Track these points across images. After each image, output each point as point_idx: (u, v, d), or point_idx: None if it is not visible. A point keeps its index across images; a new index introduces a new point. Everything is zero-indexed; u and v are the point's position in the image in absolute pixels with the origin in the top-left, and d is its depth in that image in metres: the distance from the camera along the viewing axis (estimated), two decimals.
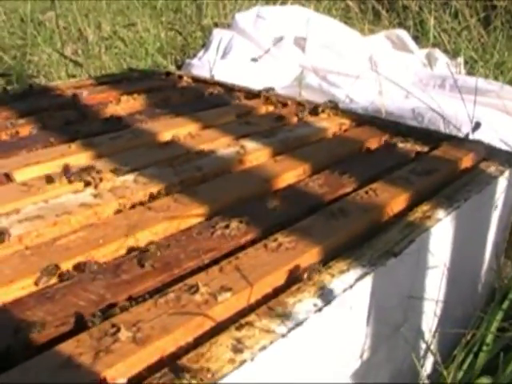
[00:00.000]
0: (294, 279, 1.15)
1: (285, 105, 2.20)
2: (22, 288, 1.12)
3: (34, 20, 4.76)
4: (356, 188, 1.57)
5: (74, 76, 3.98)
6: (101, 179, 1.51)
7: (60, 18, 4.73)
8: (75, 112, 2.06)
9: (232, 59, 3.51)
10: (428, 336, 1.52)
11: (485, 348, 1.51)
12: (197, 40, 4.60)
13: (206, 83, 2.48)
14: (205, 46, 3.90)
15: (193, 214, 1.38)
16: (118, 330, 0.96)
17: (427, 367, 1.60)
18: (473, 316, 1.55)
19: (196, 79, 2.55)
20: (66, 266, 1.18)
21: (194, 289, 1.06)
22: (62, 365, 0.89)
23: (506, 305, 1.54)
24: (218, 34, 3.75)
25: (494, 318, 1.52)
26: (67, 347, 0.94)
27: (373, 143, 1.89)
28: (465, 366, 1.52)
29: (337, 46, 3.54)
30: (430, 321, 1.51)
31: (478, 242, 1.75)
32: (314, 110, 2.11)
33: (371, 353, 1.27)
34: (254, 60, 3.48)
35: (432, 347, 1.53)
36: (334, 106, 2.14)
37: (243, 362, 0.92)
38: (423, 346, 1.52)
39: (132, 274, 1.15)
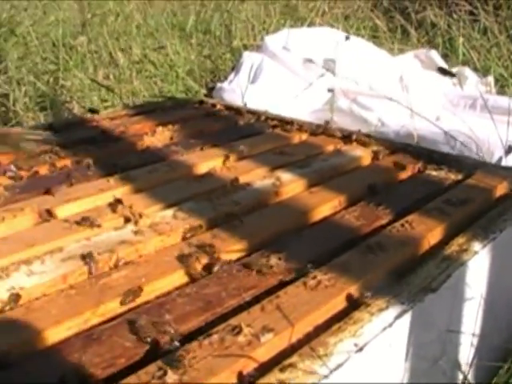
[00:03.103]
0: (334, 318, 1.17)
1: (318, 134, 2.22)
2: (68, 329, 1.15)
3: (65, 44, 4.82)
4: (392, 220, 1.58)
5: (105, 101, 4.02)
6: (140, 215, 1.54)
7: (91, 42, 4.79)
8: (111, 144, 2.10)
9: (262, 83, 3.53)
10: (465, 367, 1.52)
11: None
12: (226, 62, 4.63)
13: (238, 111, 2.51)
14: (235, 68, 3.92)
15: (232, 250, 1.41)
16: (165, 373, 0.98)
17: None
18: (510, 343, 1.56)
19: (229, 107, 2.59)
20: (111, 305, 1.21)
21: (237, 330, 1.08)
22: None
23: None
24: (248, 58, 3.77)
25: None
26: None
27: (407, 171, 1.91)
28: None
29: (367, 68, 3.55)
30: (467, 352, 1.51)
31: None
32: (348, 139, 2.13)
33: None
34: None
35: (469, 378, 1.54)
36: (367, 135, 2.16)
37: None
38: (461, 377, 1.53)
39: (175, 314, 1.18)
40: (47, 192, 1.70)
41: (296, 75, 3.55)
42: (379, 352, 1.12)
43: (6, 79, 4.03)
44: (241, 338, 1.07)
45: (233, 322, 1.12)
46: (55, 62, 4.62)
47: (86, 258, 1.35)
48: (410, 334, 1.21)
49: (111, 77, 4.35)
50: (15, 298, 1.22)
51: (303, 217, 1.59)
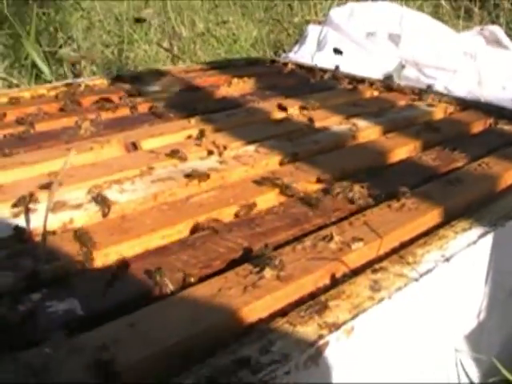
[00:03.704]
0: (419, 236, 1.21)
1: (389, 90, 2.25)
2: (162, 237, 1.21)
3: (129, 19, 4.90)
4: (467, 163, 1.62)
5: None
6: (225, 147, 1.60)
7: (154, 17, 4.87)
8: (189, 92, 2.16)
9: (327, 54, 3.57)
10: None
11: None
12: (289, 37, 4.67)
13: (310, 70, 2.56)
14: (299, 41, 3.97)
15: (315, 180, 1.46)
16: (263, 268, 1.03)
17: None
18: None
19: (301, 66, 2.63)
20: (202, 220, 1.26)
21: (329, 237, 1.13)
22: (214, 295, 0.98)
23: None
24: (313, 30, 3.82)
25: None
26: (216, 282, 1.02)
27: (479, 125, 1.94)
28: None
29: (431, 41, 3.57)
30: None
31: None
32: (419, 95, 2.16)
33: (487, 314, 1.32)
34: (338, 52, 3.52)
35: None
36: (438, 92, 2.19)
37: (381, 299, 0.98)
38: None
39: (265, 228, 1.23)
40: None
41: (360, 47, 3.58)
42: (463, 268, 1.16)
43: (75, 48, 4.12)
44: (332, 245, 1.12)
45: (323, 232, 1.17)
46: (119, 35, 4.70)
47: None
48: (491, 257, 1.24)
49: (175, 49, 4.42)
50: (102, 199, 1.29)
51: (381, 157, 1.63)
